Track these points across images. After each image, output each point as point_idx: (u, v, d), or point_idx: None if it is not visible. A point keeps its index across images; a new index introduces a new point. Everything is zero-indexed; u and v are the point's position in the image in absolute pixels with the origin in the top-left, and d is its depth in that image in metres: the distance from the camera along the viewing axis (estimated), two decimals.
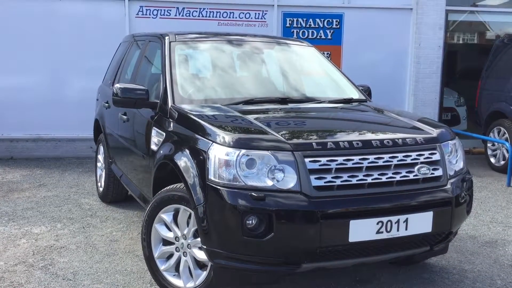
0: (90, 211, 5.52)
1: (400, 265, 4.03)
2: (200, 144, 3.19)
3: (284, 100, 4.03)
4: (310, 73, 4.75)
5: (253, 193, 2.89)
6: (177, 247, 3.44)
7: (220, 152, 3.01)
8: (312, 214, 2.88)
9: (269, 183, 2.94)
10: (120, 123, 4.84)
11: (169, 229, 3.47)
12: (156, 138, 3.81)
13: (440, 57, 9.21)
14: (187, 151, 3.27)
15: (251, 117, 3.44)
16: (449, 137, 3.50)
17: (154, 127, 3.88)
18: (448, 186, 3.26)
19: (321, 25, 8.92)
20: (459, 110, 10.74)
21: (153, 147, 3.83)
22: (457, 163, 3.50)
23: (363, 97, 4.45)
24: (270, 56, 4.66)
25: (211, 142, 3.10)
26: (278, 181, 2.95)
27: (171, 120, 3.69)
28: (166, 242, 3.50)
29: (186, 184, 3.16)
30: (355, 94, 4.44)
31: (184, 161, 3.25)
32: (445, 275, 3.96)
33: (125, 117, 4.65)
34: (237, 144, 3.00)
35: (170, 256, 3.50)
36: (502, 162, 7.80)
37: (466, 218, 3.50)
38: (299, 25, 8.86)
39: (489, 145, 8.18)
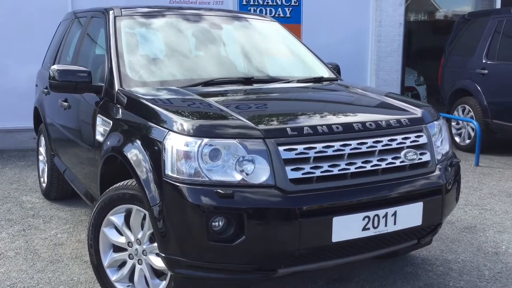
0: (32, 210, 4.93)
1: (380, 259, 3.68)
2: (154, 133, 2.70)
3: (248, 81, 3.57)
4: (275, 50, 4.30)
5: (219, 190, 2.44)
6: (130, 254, 2.96)
7: (178, 142, 2.54)
8: (289, 212, 2.46)
9: (237, 177, 2.50)
10: (61, 111, 4.27)
11: (121, 233, 2.98)
12: (101, 127, 3.29)
13: (401, 34, 8.97)
14: (139, 142, 2.78)
15: (212, 100, 2.97)
16: (434, 117, 3.15)
17: (99, 115, 3.36)
18: (437, 172, 2.91)
19: (279, 3, 8.47)
20: (419, 89, 10.61)
21: (99, 137, 3.30)
22: (442, 145, 3.15)
23: (334, 76, 4.05)
24: (230, 33, 4.18)
25: (167, 131, 2.62)
26: (248, 174, 2.51)
27: (118, 106, 3.18)
28: (117, 249, 3.01)
29: (139, 180, 2.68)
30: (325, 73, 4.03)
31: (135, 153, 2.76)
32: (429, 267, 3.64)
33: (66, 103, 4.08)
34: (198, 132, 2.53)
35: (123, 264, 3.01)
36: (468, 141, 7.63)
37: (455, 206, 3.16)
38: (256, 3, 8.37)
39: (453, 124, 7.99)
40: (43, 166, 5.29)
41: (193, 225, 2.47)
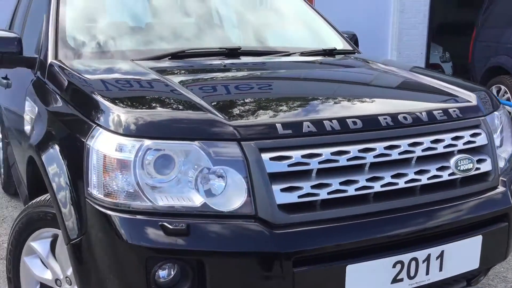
0: None
1: None
2: (78, 130, 1.80)
3: (234, 53, 2.62)
4: (274, 14, 3.34)
5: (166, 223, 1.55)
6: None
7: (108, 144, 1.65)
8: (277, 258, 1.56)
9: (197, 200, 1.61)
10: (1, 91, 3.40)
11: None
12: (28, 114, 2.41)
13: (427, 4, 7.95)
14: (59, 141, 1.89)
15: (174, 80, 2.06)
16: (495, 105, 2.21)
17: (27, 97, 2.47)
18: (501, 187, 1.99)
19: None
20: (444, 66, 9.61)
21: (26, 128, 2.43)
22: (503, 146, 2.22)
23: (350, 48, 3.09)
24: None
25: (93, 126, 1.72)
26: (214, 195, 1.61)
27: (48, 84, 2.29)
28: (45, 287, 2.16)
29: (55, 199, 1.80)
30: (339, 43, 3.08)
31: (52, 158, 1.88)
32: None
33: (5, 81, 3.20)
34: (138, 130, 1.63)
35: None
36: None
37: None
38: None
39: None
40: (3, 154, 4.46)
41: (129, 276, 1.59)
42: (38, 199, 2.09)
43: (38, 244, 2.11)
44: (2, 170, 4.49)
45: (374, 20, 7.88)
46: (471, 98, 2.14)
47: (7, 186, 4.31)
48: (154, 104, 1.85)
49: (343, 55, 2.93)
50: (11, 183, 4.21)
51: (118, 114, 1.67)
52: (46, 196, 2.03)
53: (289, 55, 2.74)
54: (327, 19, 3.30)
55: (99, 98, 1.80)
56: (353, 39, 3.38)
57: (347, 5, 7.63)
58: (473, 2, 8.69)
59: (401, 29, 7.87)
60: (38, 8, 3.23)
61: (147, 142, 1.61)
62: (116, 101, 1.77)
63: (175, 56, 2.48)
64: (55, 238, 2.08)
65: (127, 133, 1.62)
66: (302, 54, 2.79)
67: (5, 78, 3.21)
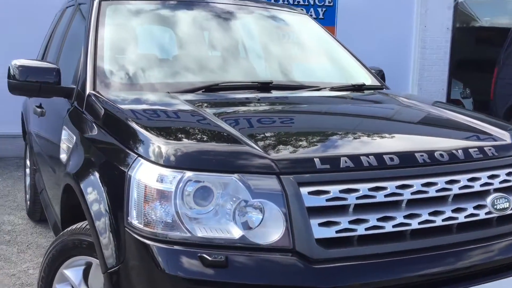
0: (10, 234, 4.14)
1: None
2: (119, 159, 1.84)
3: (265, 87, 2.67)
4: (304, 49, 3.41)
5: (205, 254, 1.56)
6: None
7: (149, 175, 1.68)
8: None
9: (235, 233, 1.62)
10: (35, 119, 3.48)
11: None
12: (65, 143, 2.46)
13: (448, 41, 7.96)
14: (98, 170, 1.93)
15: (209, 112, 2.10)
16: None
17: (64, 126, 2.53)
18: None
19: (312, 2, 7.58)
20: (465, 102, 9.57)
21: (62, 156, 2.47)
22: None
23: (378, 83, 3.13)
24: (246, 24, 3.28)
25: (135, 157, 1.76)
26: (251, 228, 1.62)
27: (85, 115, 2.34)
28: None
29: (93, 227, 1.83)
30: (367, 79, 3.11)
31: (91, 186, 1.91)
32: None
33: (39, 110, 3.27)
34: (179, 162, 1.66)
35: None
36: None
37: None
38: (286, 2, 7.50)
39: None
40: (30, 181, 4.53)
41: None
42: (73, 226, 2.12)
43: (71, 271, 2.13)
44: (28, 196, 4.55)
45: (396, 55, 7.92)
46: (505, 136, 2.15)
47: (32, 212, 4.37)
48: (194, 137, 1.88)
49: (371, 91, 2.96)
50: (37, 209, 4.27)
51: (160, 145, 1.71)
52: (82, 224, 2.06)
53: (319, 89, 2.78)
54: (355, 54, 3.36)
55: (140, 129, 1.84)
56: (379, 75, 3.42)
57: (369, 40, 7.70)
58: (494, 39, 8.72)
59: (422, 65, 7.89)
60: (75, 40, 3.33)
61: (188, 174, 1.63)
62: (157, 133, 1.81)
63: (209, 89, 2.53)
64: (88, 266, 2.10)
65: (169, 165, 1.65)
66: (332, 89, 2.82)
67: (39, 106, 3.29)
